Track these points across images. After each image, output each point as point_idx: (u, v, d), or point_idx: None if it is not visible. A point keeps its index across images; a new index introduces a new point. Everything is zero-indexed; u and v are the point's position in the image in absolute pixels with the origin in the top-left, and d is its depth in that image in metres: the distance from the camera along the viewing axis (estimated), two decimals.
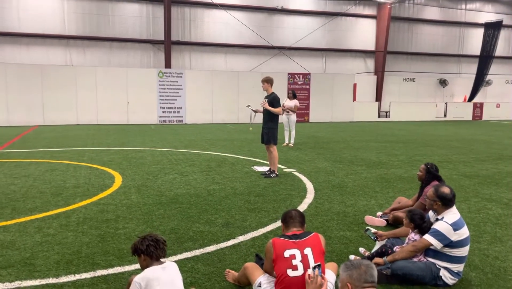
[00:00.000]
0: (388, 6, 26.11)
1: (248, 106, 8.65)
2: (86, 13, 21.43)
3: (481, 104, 28.13)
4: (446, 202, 3.69)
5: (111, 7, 21.81)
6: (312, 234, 3.24)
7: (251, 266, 3.45)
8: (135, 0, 22.14)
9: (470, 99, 28.67)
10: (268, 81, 8.19)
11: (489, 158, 10.78)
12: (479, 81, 28.17)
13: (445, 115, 27.45)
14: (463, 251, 3.63)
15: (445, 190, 3.72)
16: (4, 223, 5.11)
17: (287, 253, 3.12)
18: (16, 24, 20.31)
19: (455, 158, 10.69)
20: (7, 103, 19.00)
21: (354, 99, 25.08)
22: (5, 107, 18.97)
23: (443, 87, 29.09)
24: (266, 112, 8.14)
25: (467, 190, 7.22)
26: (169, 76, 21.47)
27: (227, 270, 3.75)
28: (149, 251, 2.78)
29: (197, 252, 4.28)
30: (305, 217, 3.53)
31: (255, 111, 8.64)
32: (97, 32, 21.72)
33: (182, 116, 21.86)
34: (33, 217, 5.36)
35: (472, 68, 29.16)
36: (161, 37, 22.55)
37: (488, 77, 28.60)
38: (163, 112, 21.54)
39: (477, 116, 27.94)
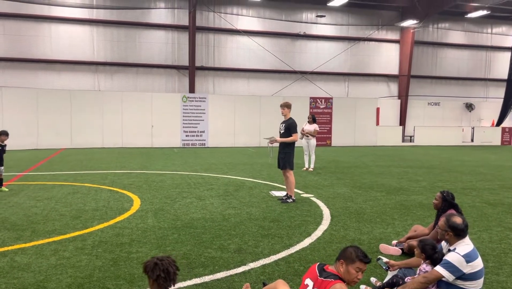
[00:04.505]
0: (412, 31, 26.06)
1: (266, 138, 8.62)
2: (115, 40, 22.25)
3: (510, 129, 27.36)
4: (458, 232, 3.59)
5: (138, 34, 22.59)
6: (335, 282, 3.09)
7: (282, 283, 3.48)
8: (161, 27, 22.88)
9: (498, 123, 27.96)
10: (288, 106, 8.29)
11: None
12: (507, 106, 27.50)
13: (472, 140, 26.80)
14: (477, 284, 3.50)
15: (457, 220, 3.63)
16: (23, 245, 5.26)
17: (306, 281, 3.27)
18: (49, 51, 21.26)
19: (480, 185, 10.39)
20: (38, 126, 19.71)
21: (378, 124, 24.85)
22: (35, 131, 19.68)
23: (470, 111, 28.52)
24: (283, 137, 8.18)
25: (490, 218, 6.99)
26: (193, 100, 21.88)
27: (247, 284, 3.82)
28: (159, 283, 2.78)
29: (206, 279, 4.28)
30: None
31: (272, 146, 8.66)
32: (125, 58, 22.47)
33: (205, 140, 22.12)
34: (51, 240, 5.49)
35: (499, 92, 28.55)
36: (186, 62, 23.11)
37: None
38: (186, 136, 21.87)
39: (506, 142, 27.15)
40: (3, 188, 8.88)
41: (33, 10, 20.72)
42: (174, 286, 2.91)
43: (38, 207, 7.35)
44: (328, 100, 23.94)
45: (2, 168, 8.90)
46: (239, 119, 22.56)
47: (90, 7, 21.65)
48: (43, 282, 4.14)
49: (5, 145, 9.03)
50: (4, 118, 18.42)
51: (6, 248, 5.13)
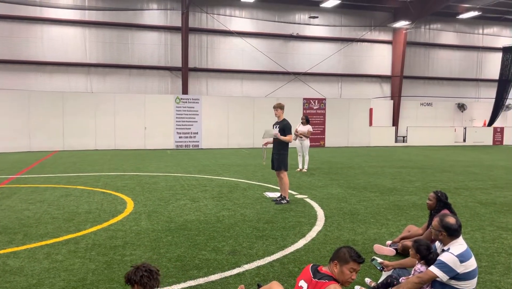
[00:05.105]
0: (404, 32, 26.19)
1: (266, 136, 8.48)
2: (107, 42, 22.13)
3: (502, 129, 27.60)
4: (451, 233, 3.61)
5: (130, 35, 22.49)
6: (330, 283, 3.11)
7: (277, 284, 3.49)
8: (153, 29, 22.79)
9: (490, 123, 28.18)
10: (281, 107, 8.29)
11: (508, 185, 10.51)
12: (499, 106, 27.73)
13: (464, 140, 27.00)
14: (471, 284, 3.52)
15: (450, 220, 3.65)
16: (15, 249, 5.20)
17: (300, 282, 3.26)
18: (41, 53, 21.08)
19: (472, 185, 10.46)
20: (29, 129, 19.54)
21: (371, 124, 24.95)
22: (27, 133, 19.51)
23: (462, 111, 28.72)
24: (277, 139, 8.17)
25: (483, 218, 7.03)
26: (186, 102, 21.83)
27: (242, 286, 3.81)
28: (143, 282, 2.78)
29: (201, 281, 4.27)
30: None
31: (266, 148, 8.68)
32: (117, 60, 22.36)
33: (198, 141, 22.07)
34: (43, 243, 5.44)
35: (491, 92, 28.79)
36: (179, 64, 23.05)
37: (508, 101, 28.13)
38: (180, 137, 21.80)
39: (498, 141, 27.37)
40: None
41: (24, 11, 20.53)
42: (158, 287, 2.89)
43: (30, 210, 7.29)
44: (321, 101, 24.00)
45: None
46: (232, 121, 22.54)
47: (82, 8, 21.52)
48: (36, 286, 4.10)
49: None
50: None
51: None
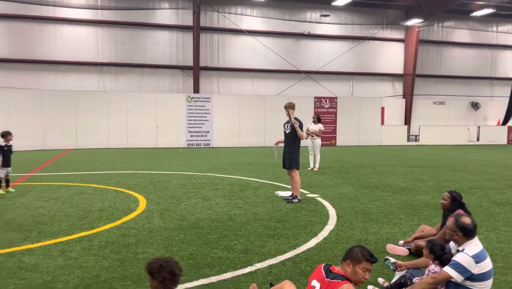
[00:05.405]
0: (416, 30, 25.95)
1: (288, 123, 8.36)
2: (119, 41, 22.31)
3: None
4: (466, 233, 3.57)
5: (142, 35, 22.64)
6: (342, 283, 3.10)
7: (289, 283, 3.50)
8: (165, 28, 22.91)
9: (504, 122, 27.76)
10: (292, 107, 8.25)
11: None
12: None
13: (477, 139, 26.65)
14: (486, 285, 3.48)
15: (466, 220, 3.60)
16: (30, 246, 5.28)
17: (313, 282, 3.25)
18: (54, 52, 21.34)
19: (486, 184, 10.33)
20: (43, 127, 19.79)
21: (383, 123, 24.77)
22: (41, 132, 19.76)
23: (475, 110, 28.36)
24: (288, 137, 8.16)
25: (497, 218, 6.94)
26: (197, 101, 21.90)
27: (254, 284, 3.81)
28: (164, 284, 2.75)
29: (213, 279, 4.28)
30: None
31: (277, 146, 8.72)
32: (129, 59, 22.52)
33: (210, 140, 22.13)
34: (57, 240, 5.51)
35: (505, 91, 28.37)
36: (190, 63, 23.14)
37: None
38: (191, 136, 21.89)
39: None
40: (10, 189, 8.92)
41: (38, 11, 20.80)
42: (177, 287, 2.88)
43: (44, 208, 7.38)
44: (332, 100, 23.89)
45: (10, 168, 8.95)
46: (243, 119, 22.56)
47: (95, 8, 21.72)
48: (51, 282, 4.15)
49: (11, 145, 9.07)
50: (10, 119, 18.49)
51: (13, 249, 5.15)
